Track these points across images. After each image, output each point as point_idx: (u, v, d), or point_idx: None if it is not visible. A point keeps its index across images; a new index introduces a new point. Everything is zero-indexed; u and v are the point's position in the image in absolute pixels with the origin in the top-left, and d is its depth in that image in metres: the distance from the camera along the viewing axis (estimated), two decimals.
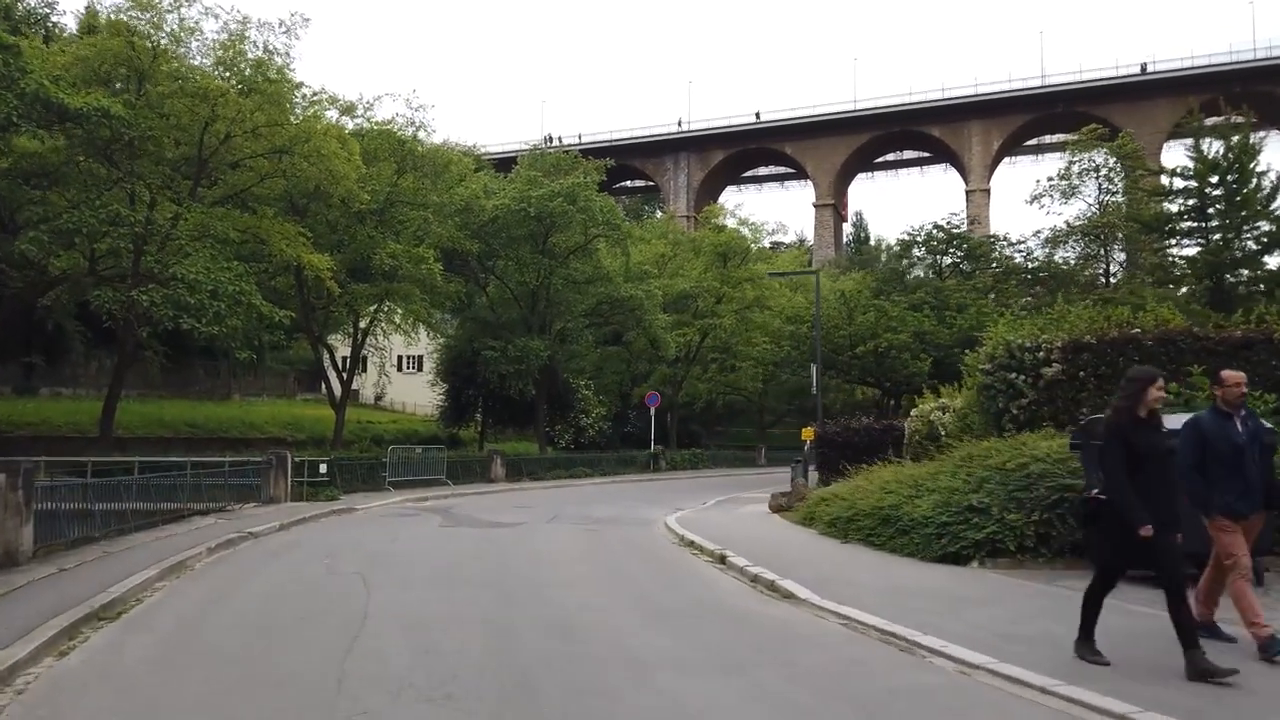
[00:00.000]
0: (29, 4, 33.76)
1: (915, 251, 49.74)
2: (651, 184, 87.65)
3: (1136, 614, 7.36)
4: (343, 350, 35.65)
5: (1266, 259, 32.64)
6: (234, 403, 42.53)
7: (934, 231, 48.08)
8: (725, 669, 6.24)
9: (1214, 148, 32.34)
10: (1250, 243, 32.18)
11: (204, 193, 24.85)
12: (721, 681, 5.92)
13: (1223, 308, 23.94)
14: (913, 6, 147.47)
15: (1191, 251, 34.12)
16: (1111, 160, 43.49)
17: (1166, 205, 35.30)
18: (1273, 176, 31.84)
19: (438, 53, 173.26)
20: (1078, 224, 43.57)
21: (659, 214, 79.70)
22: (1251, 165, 31.43)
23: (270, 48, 24.46)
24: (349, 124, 29.62)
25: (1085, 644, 6.15)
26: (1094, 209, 43.78)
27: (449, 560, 11.84)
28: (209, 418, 34.38)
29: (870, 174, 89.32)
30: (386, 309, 33.01)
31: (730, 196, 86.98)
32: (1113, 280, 42.27)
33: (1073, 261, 44.18)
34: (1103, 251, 43.41)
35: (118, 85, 23.67)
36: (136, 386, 34.60)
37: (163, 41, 23.18)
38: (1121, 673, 5.79)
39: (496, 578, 10.34)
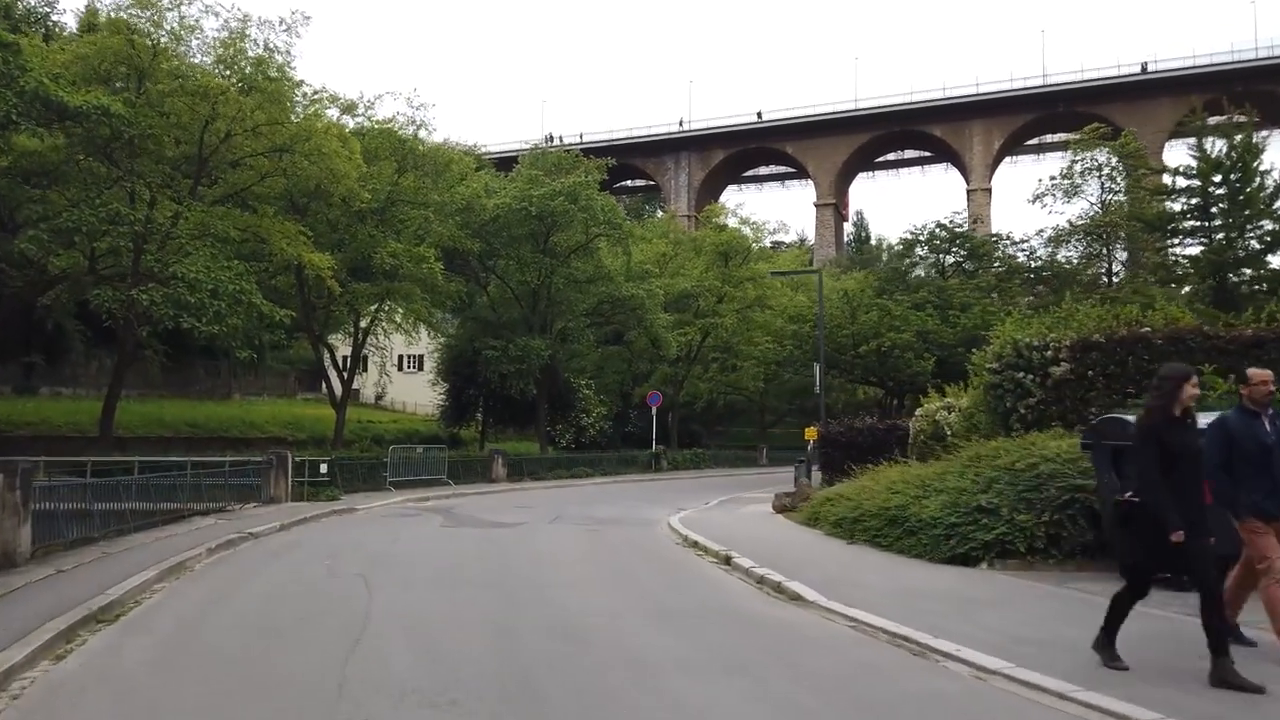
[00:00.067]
0: (29, 2, 33.71)
1: (918, 250, 49.68)
2: (652, 183, 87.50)
3: (1148, 616, 7.23)
4: (343, 350, 35.59)
5: (1270, 258, 32.64)
6: (234, 402, 42.42)
7: (937, 230, 48.04)
8: (732, 672, 6.13)
9: (1217, 146, 32.32)
10: (1254, 242, 32.19)
11: (204, 191, 24.79)
12: (728, 685, 5.82)
13: (1226, 307, 23.86)
14: (913, 6, 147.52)
15: (1194, 251, 34.11)
16: (1114, 159, 43.48)
17: (1169, 204, 35.31)
18: (1276, 175, 31.89)
19: (438, 52, 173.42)
20: (1080, 223, 43.55)
21: (660, 213, 79.55)
22: (1255, 164, 31.44)
23: (271, 46, 24.46)
24: (350, 123, 29.57)
25: (1106, 648, 6.04)
26: (1096, 208, 43.77)
27: (451, 561, 11.75)
28: (209, 417, 34.28)
29: (871, 173, 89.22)
30: (387, 308, 32.94)
31: (731, 196, 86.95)
32: (1115, 280, 42.23)
33: (1075, 261, 44.16)
34: (1105, 251, 43.38)
35: (118, 83, 23.55)
36: (136, 386, 34.47)
37: (163, 39, 23.11)
38: (1137, 676, 5.68)
39: (499, 579, 10.25)
